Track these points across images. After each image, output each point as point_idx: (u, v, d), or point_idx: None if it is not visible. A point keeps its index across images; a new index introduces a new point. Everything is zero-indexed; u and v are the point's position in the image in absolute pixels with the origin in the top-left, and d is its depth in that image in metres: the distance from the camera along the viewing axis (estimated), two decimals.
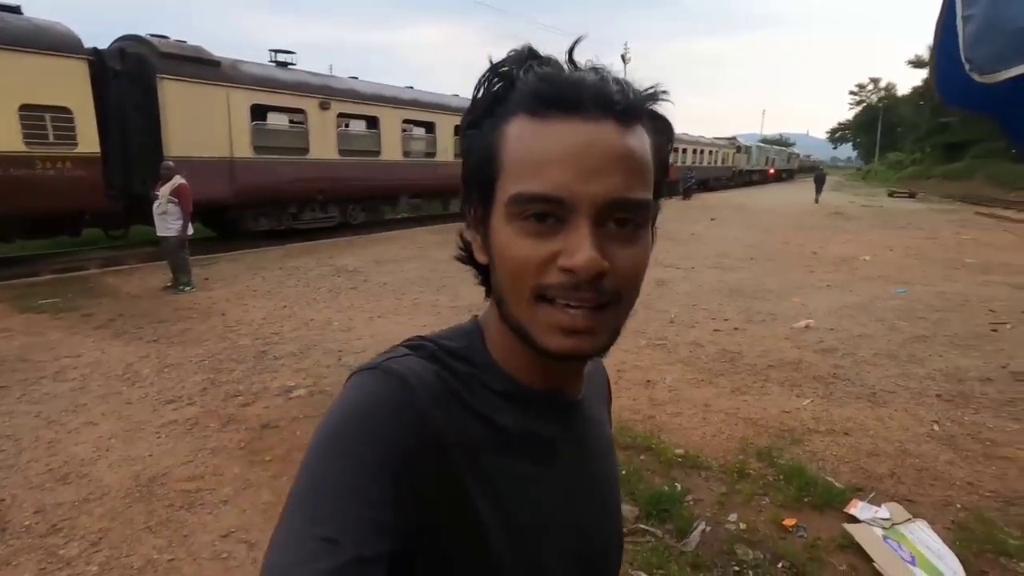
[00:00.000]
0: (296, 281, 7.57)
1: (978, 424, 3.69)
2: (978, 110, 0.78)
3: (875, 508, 2.71)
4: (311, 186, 11.62)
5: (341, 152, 12.18)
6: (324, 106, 11.64)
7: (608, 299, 0.46)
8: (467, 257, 0.55)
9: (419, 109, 14.13)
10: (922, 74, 47.44)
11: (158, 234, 6.95)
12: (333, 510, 0.41)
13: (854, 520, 2.64)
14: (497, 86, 0.49)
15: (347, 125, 12.97)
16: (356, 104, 12.48)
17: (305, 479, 0.44)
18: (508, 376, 0.53)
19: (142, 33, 9.72)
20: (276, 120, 11.35)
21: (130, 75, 9.24)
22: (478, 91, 0.50)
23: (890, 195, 30.87)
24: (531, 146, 0.45)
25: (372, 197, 13.45)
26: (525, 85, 0.46)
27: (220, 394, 3.99)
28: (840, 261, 9.65)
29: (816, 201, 23.66)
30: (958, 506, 2.78)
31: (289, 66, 11.77)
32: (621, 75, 0.48)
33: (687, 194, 24.83)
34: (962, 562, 2.34)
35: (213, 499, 2.77)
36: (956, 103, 0.76)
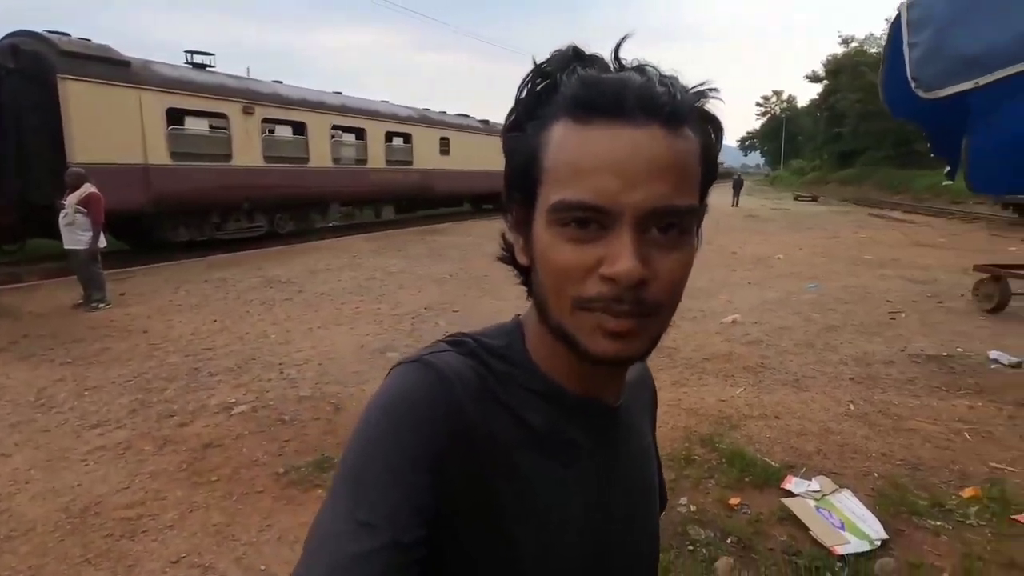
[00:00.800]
0: (225, 294, 7.19)
1: (886, 402, 4.11)
2: (918, 121, 0.92)
3: (807, 482, 2.97)
4: (235, 194, 11.08)
5: (267, 158, 11.71)
6: (247, 111, 11.15)
7: (651, 308, 0.45)
8: (509, 258, 0.54)
9: (349, 115, 13.83)
10: (818, 88, 51.80)
11: (65, 247, 6.40)
12: (373, 495, 0.42)
13: (790, 494, 2.87)
14: (540, 87, 0.48)
15: (272, 131, 12.50)
16: (282, 109, 12.05)
17: (347, 465, 0.45)
18: (545, 377, 0.52)
19: (38, 30, 8.93)
20: (195, 125, 10.74)
21: (24, 74, 8.46)
22: (521, 92, 0.49)
23: (795, 199, 33.46)
24: (573, 152, 0.44)
25: (301, 205, 13.01)
26: (567, 88, 0.45)
27: (152, 415, 3.74)
28: (758, 260, 10.38)
29: (734, 205, 25.44)
30: (875, 475, 3.10)
31: (207, 68, 11.20)
32: (669, 73, 0.47)
33: None
34: (882, 523, 2.62)
35: (157, 525, 2.61)
36: (902, 115, 0.91)
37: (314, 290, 7.43)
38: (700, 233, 0.50)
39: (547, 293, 0.48)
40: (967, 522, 2.70)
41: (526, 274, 0.53)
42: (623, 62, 0.47)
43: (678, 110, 0.44)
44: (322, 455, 3.22)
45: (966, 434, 3.61)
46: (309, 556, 0.42)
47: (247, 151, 11.23)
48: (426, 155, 16.49)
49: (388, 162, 15.16)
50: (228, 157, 10.95)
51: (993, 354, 5.13)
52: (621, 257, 0.43)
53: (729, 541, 2.56)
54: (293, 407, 3.88)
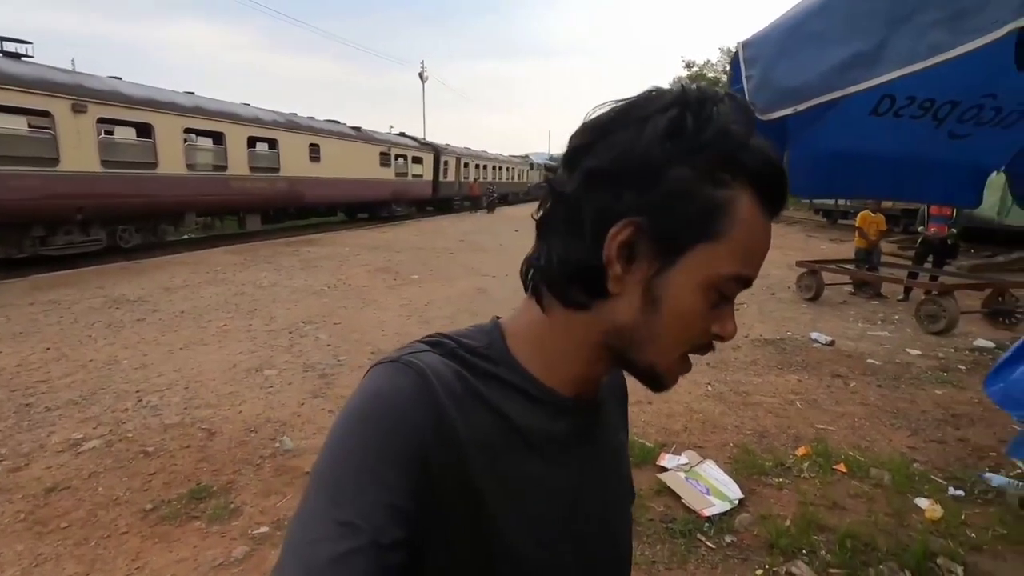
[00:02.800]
0: (58, 318, 6.25)
1: (736, 381, 4.71)
2: None
3: (678, 457, 3.32)
4: (65, 204, 9.63)
5: (105, 163, 10.33)
6: (78, 108, 9.77)
7: None
8: (578, 273, 0.50)
9: (204, 117, 12.67)
10: None
11: None
12: (352, 495, 0.43)
13: (664, 470, 3.19)
14: (710, 137, 0.46)
15: (112, 133, 11.08)
16: (123, 108, 10.70)
17: (326, 464, 0.45)
18: (528, 376, 0.54)
19: None
20: (8, 123, 9.20)
21: None
22: (701, 115, 0.46)
23: None
24: (760, 239, 0.49)
25: (149, 215, 11.66)
26: (757, 163, 0.47)
27: None
28: None
29: None
30: (731, 444, 3.55)
31: (23, 58, 9.65)
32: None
33: (491, 207, 26.33)
34: (739, 485, 3.01)
35: None
36: None
37: (172, 309, 6.73)
38: None
39: (662, 338, 0.50)
40: (802, 476, 3.20)
41: (586, 290, 0.50)
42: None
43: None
44: (197, 484, 2.96)
45: (797, 403, 4.26)
46: (285, 560, 0.41)
47: (79, 155, 9.82)
48: (294, 162, 15.61)
49: (252, 169, 14.10)
50: (54, 161, 9.50)
51: (813, 335, 6.08)
52: (731, 324, 0.51)
53: None
54: (157, 437, 3.50)
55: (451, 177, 26.61)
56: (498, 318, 0.59)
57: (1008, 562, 2.57)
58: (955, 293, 6.39)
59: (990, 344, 5.89)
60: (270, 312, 6.64)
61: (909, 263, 8.61)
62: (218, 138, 13.23)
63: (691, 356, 0.52)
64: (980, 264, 11.08)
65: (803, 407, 4.19)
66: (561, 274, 0.51)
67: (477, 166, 30.14)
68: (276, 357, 5.06)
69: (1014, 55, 1.46)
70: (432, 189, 24.79)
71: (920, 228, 8.18)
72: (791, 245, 14.79)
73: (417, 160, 23.47)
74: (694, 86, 0.48)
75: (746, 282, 0.49)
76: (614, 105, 0.50)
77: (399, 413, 0.46)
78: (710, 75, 50.48)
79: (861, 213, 8.58)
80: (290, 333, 5.83)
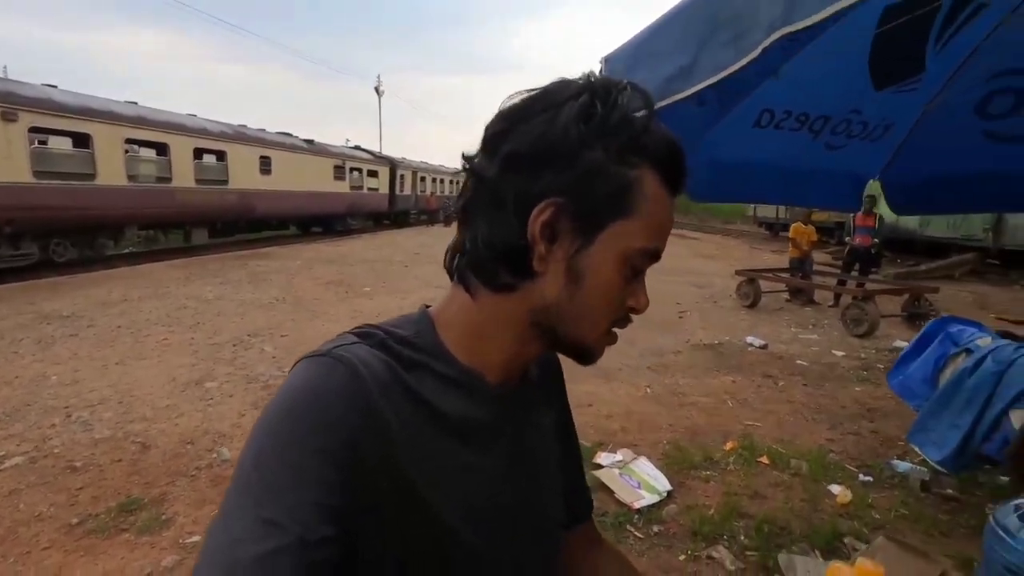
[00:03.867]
0: None
1: (674, 383, 4.91)
2: None
3: (613, 455, 3.45)
4: None
5: (38, 174, 9.89)
6: (8, 117, 9.35)
7: None
8: (506, 255, 0.52)
9: (147, 128, 12.30)
10: None
11: None
12: (277, 493, 0.42)
13: (600, 467, 3.32)
14: (615, 120, 0.49)
15: (45, 142, 10.62)
16: (57, 117, 10.29)
17: (249, 461, 0.44)
18: (456, 363, 0.54)
19: None
20: None
21: None
22: (607, 102, 0.49)
23: None
24: (661, 214, 0.52)
25: (86, 228, 11.18)
26: (660, 146, 0.51)
27: None
28: None
29: None
30: (664, 442, 3.72)
31: None
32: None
33: (447, 221, 26.35)
34: (668, 479, 3.17)
35: None
36: None
37: (108, 324, 6.48)
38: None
39: (586, 312, 0.52)
40: (728, 468, 3.38)
41: (513, 270, 0.52)
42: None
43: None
44: (127, 498, 2.89)
45: (729, 402, 4.49)
46: (205, 559, 0.40)
47: (8, 165, 9.36)
48: (244, 174, 15.29)
49: (199, 181, 13.74)
50: None
51: (749, 339, 6.39)
52: (644, 296, 0.55)
53: None
54: (86, 452, 3.40)
55: (407, 191, 26.57)
56: (427, 306, 0.59)
57: (907, 538, 2.79)
58: (876, 298, 6.86)
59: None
60: (214, 325, 6.49)
61: (839, 271, 9.14)
62: (162, 149, 12.85)
63: (615, 330, 0.56)
64: (904, 272, 11.86)
65: (734, 406, 4.42)
66: (487, 257, 0.52)
67: (434, 180, 30.22)
68: (218, 370, 4.96)
69: (869, 77, 1.67)
70: (388, 202, 24.68)
71: (847, 238, 8.72)
72: (736, 256, 15.45)
73: (372, 173, 23.35)
74: (599, 75, 0.51)
75: (655, 255, 0.52)
76: (527, 94, 0.52)
77: (326, 407, 0.45)
78: None
79: (793, 225, 9.10)
80: (234, 346, 5.73)
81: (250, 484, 0.43)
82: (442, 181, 31.31)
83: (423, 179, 28.63)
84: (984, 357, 2.83)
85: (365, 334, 0.53)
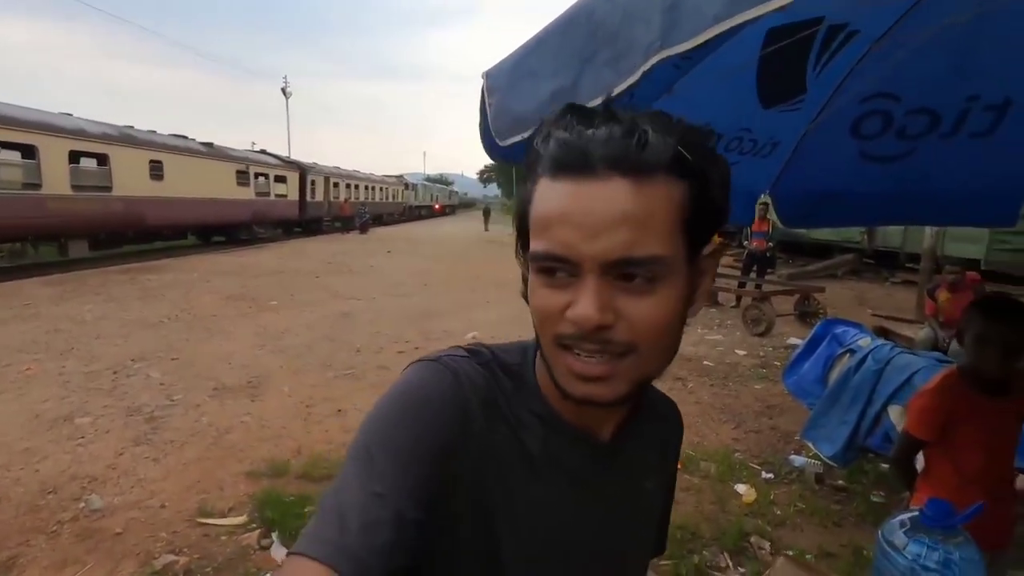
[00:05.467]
0: None
1: None
2: (505, 161, 1.20)
3: None
4: None
5: None
6: None
7: (622, 349, 0.47)
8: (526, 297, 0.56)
9: (8, 128, 10.90)
10: None
11: None
12: (384, 473, 0.46)
13: None
14: (538, 143, 0.50)
15: None
16: None
17: (362, 442, 0.49)
18: (547, 403, 0.55)
19: None
20: None
21: None
22: (528, 147, 0.53)
23: None
24: (546, 208, 0.48)
25: None
26: (546, 150, 0.49)
27: None
28: (496, 281, 11.45)
29: (486, 229, 29.61)
30: None
31: None
32: (661, 119, 0.47)
33: (363, 228, 25.59)
34: None
35: None
36: (495, 157, 1.20)
37: None
38: (702, 280, 0.52)
39: (536, 330, 0.52)
40: None
41: None
42: (617, 113, 0.47)
43: (645, 161, 0.45)
44: None
45: None
46: (322, 519, 0.45)
47: None
48: (131, 180, 13.95)
49: (75, 187, 12.37)
50: None
51: None
52: (580, 303, 0.46)
53: None
54: None
55: (319, 197, 25.48)
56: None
57: (805, 532, 2.94)
58: (772, 299, 7.35)
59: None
60: (91, 350, 5.81)
61: (739, 274, 9.74)
62: (28, 151, 11.44)
63: (586, 360, 0.47)
64: (795, 272, 12.88)
65: None
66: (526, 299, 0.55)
67: (348, 186, 29.19)
68: (92, 402, 4.41)
69: (757, 96, 1.71)
70: (299, 209, 23.54)
71: (745, 243, 9.31)
72: None
73: (280, 179, 22.16)
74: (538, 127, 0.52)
75: (549, 257, 0.46)
76: None
77: (433, 408, 0.50)
78: None
79: None
80: (114, 373, 5.13)
81: (361, 460, 0.47)
82: (357, 187, 30.34)
83: (336, 185, 27.56)
84: (865, 357, 3.06)
85: (474, 351, 0.56)
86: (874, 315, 7.24)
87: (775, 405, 4.68)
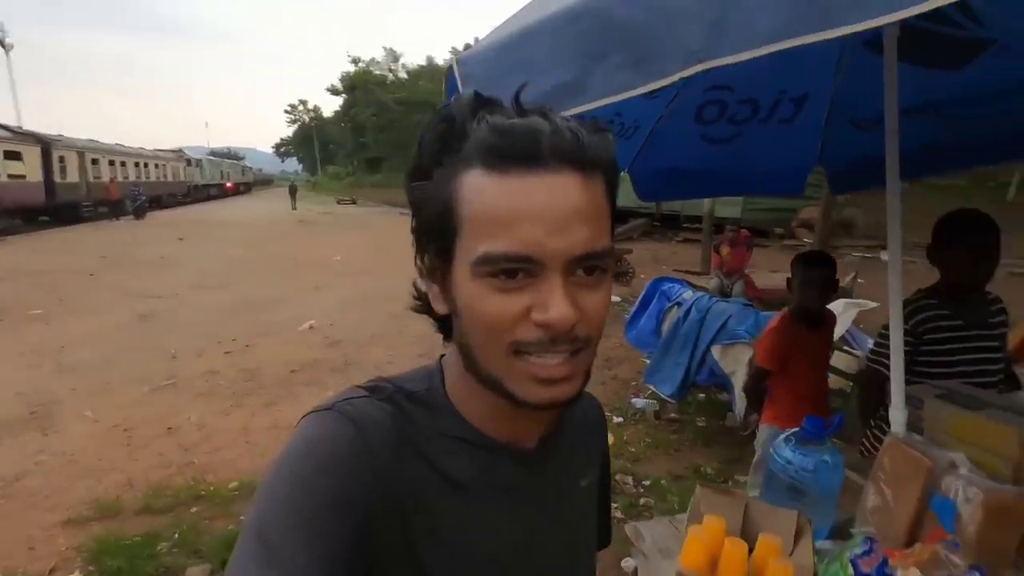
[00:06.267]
0: None
1: None
2: None
3: None
4: None
5: None
6: None
7: (582, 345, 0.45)
8: (424, 307, 0.53)
9: None
10: (339, 100, 56.64)
11: None
12: (279, 554, 0.41)
13: None
14: (445, 133, 0.46)
15: None
16: None
17: (255, 518, 0.43)
18: (466, 423, 0.52)
19: None
20: None
21: None
22: (423, 139, 0.48)
23: (338, 203, 35.97)
24: (495, 204, 0.43)
25: None
26: (478, 135, 0.44)
27: None
28: (319, 263, 10.75)
29: (294, 208, 27.37)
30: None
31: None
32: (568, 118, 0.46)
33: (139, 213, 21.70)
34: None
35: None
36: None
37: None
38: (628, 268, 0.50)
39: (477, 344, 0.47)
40: None
41: (443, 321, 0.52)
42: (524, 108, 0.46)
43: (589, 155, 0.44)
44: None
45: None
46: None
47: None
48: None
49: None
50: None
51: None
52: (553, 304, 0.43)
53: None
54: None
55: (74, 177, 20.87)
56: (442, 356, 0.56)
57: (655, 462, 3.44)
58: None
59: (617, 299, 7.73)
60: None
61: None
62: None
63: (553, 362, 0.44)
64: None
65: None
66: (422, 312, 0.54)
67: (113, 163, 24.33)
68: None
69: None
70: (45, 193, 19.03)
71: None
72: None
73: (13, 155, 17.62)
74: (433, 121, 0.48)
75: (511, 258, 0.43)
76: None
77: (330, 462, 0.45)
78: (376, 72, 52.15)
79: None
80: None
81: (256, 540, 0.42)
82: (125, 164, 25.46)
83: (96, 162, 22.76)
84: (690, 308, 3.62)
85: (374, 388, 0.52)
86: (675, 271, 8.49)
87: (612, 358, 5.28)
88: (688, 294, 3.80)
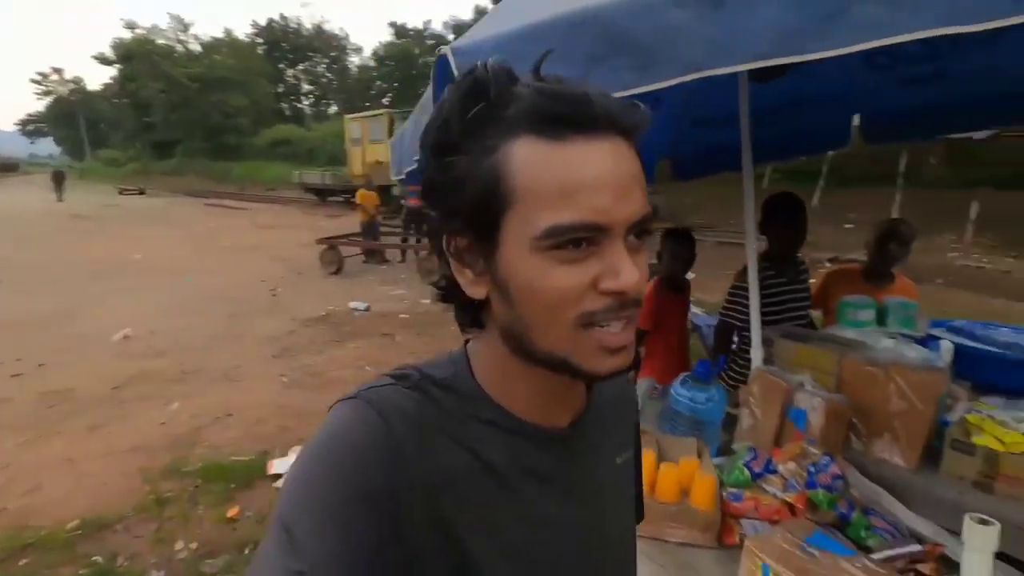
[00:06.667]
0: None
1: (306, 364, 4.76)
2: None
3: (287, 458, 3.18)
4: None
5: None
6: None
7: (636, 313, 0.46)
8: (451, 294, 0.51)
9: None
10: (112, 71, 47.81)
11: None
12: (306, 543, 0.41)
13: (278, 476, 3.01)
14: (477, 104, 0.43)
15: None
16: None
17: (283, 508, 0.43)
18: (497, 406, 0.50)
19: None
20: None
21: None
22: (442, 110, 0.45)
23: (121, 193, 30.56)
24: (557, 172, 0.41)
25: None
26: (524, 102, 0.42)
27: None
28: (117, 264, 9.16)
29: (61, 200, 22.60)
30: None
31: None
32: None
33: None
34: None
35: None
36: None
37: None
38: None
39: (533, 322, 0.45)
40: None
41: (473, 307, 0.50)
42: (543, 77, 0.45)
43: (633, 120, 0.44)
44: None
45: (367, 367, 4.70)
46: None
47: None
48: None
49: None
50: None
51: (352, 304, 6.71)
52: (624, 269, 0.43)
53: (247, 552, 2.48)
54: None
55: None
56: (465, 344, 0.55)
57: None
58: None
59: None
60: None
61: (400, 230, 10.45)
62: None
63: (620, 330, 0.45)
64: None
65: (373, 369, 4.67)
66: (447, 301, 0.53)
67: None
68: None
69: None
70: None
71: (403, 201, 10.01)
72: (297, 223, 15.40)
73: None
74: (456, 90, 0.45)
75: (581, 227, 0.42)
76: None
77: (356, 454, 0.44)
78: (160, 41, 45.02)
79: (360, 191, 9.79)
80: None
81: (281, 532, 0.42)
82: None
83: None
84: None
85: (401, 375, 0.50)
86: None
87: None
88: None
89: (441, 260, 0.49)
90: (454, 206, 0.45)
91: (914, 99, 2.10)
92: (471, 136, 0.44)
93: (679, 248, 2.31)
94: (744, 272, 2.12)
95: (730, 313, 2.13)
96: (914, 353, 1.66)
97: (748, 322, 2.04)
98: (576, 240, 0.42)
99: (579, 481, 0.55)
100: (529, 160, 0.42)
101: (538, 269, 0.43)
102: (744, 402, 1.69)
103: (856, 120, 2.45)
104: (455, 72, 1.00)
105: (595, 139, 0.42)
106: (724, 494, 1.36)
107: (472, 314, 0.52)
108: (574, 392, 0.53)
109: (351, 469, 0.43)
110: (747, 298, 1.96)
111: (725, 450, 1.66)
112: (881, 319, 1.90)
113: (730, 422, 1.71)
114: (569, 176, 0.41)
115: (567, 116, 0.41)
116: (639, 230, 0.45)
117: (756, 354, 1.76)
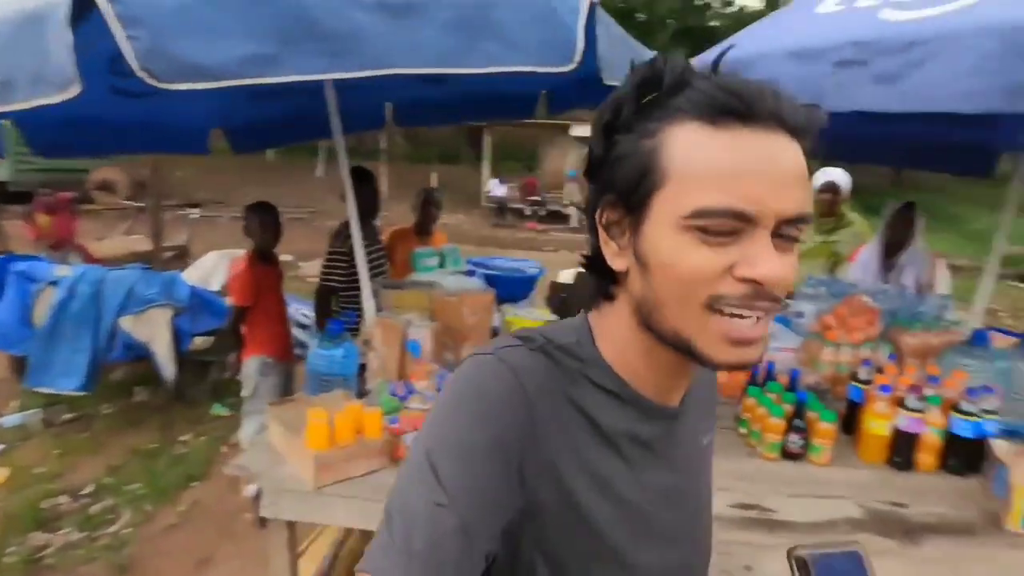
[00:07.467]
0: None
1: None
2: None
3: None
4: None
5: None
6: None
7: (775, 307, 0.46)
8: (597, 264, 0.52)
9: None
10: None
11: None
12: (448, 482, 0.45)
13: None
14: (651, 90, 0.46)
15: None
16: None
17: (426, 441, 0.49)
18: (617, 377, 0.53)
19: None
20: None
21: None
22: (620, 93, 0.47)
23: None
24: (715, 157, 0.43)
25: None
26: (699, 92, 0.44)
27: None
28: None
29: None
30: None
31: None
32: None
33: None
34: None
35: None
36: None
37: None
38: None
39: (668, 298, 0.46)
40: None
41: (611, 278, 0.52)
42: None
43: (803, 121, 0.45)
44: None
45: None
46: (392, 533, 0.45)
47: None
48: None
49: None
50: None
51: None
52: (764, 260, 0.43)
53: None
54: None
55: None
56: (587, 313, 0.57)
57: (82, 468, 2.95)
58: None
59: None
60: None
61: None
62: None
63: (753, 321, 0.45)
64: None
65: None
66: (590, 269, 0.55)
67: None
68: None
69: None
70: None
71: None
72: None
73: None
74: (633, 76, 0.48)
75: (729, 213, 0.43)
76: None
77: (491, 407, 0.49)
78: None
79: None
80: None
81: (425, 467, 0.47)
82: None
83: None
84: (75, 284, 3.11)
85: (526, 338, 0.54)
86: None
87: None
88: (66, 270, 3.20)
89: (591, 232, 0.53)
90: (610, 180, 0.49)
91: (434, 93, 2.73)
92: (638, 119, 0.47)
93: (267, 219, 2.32)
94: (337, 237, 2.35)
95: (330, 276, 2.33)
96: (470, 284, 2.32)
97: (347, 282, 2.32)
98: (721, 225, 0.43)
99: (679, 456, 0.58)
100: (688, 142, 0.44)
101: (679, 247, 0.45)
102: (368, 347, 1.97)
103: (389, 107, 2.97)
104: (114, 22, 0.82)
105: (757, 131, 0.43)
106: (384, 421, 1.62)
107: (609, 285, 0.53)
108: (689, 374, 0.55)
109: (488, 421, 0.48)
110: (346, 260, 2.22)
111: (362, 393, 1.91)
112: (442, 263, 2.51)
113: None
114: (724, 162, 0.43)
115: (733, 107, 0.43)
116: (793, 229, 0.45)
117: (369, 304, 2.05)
